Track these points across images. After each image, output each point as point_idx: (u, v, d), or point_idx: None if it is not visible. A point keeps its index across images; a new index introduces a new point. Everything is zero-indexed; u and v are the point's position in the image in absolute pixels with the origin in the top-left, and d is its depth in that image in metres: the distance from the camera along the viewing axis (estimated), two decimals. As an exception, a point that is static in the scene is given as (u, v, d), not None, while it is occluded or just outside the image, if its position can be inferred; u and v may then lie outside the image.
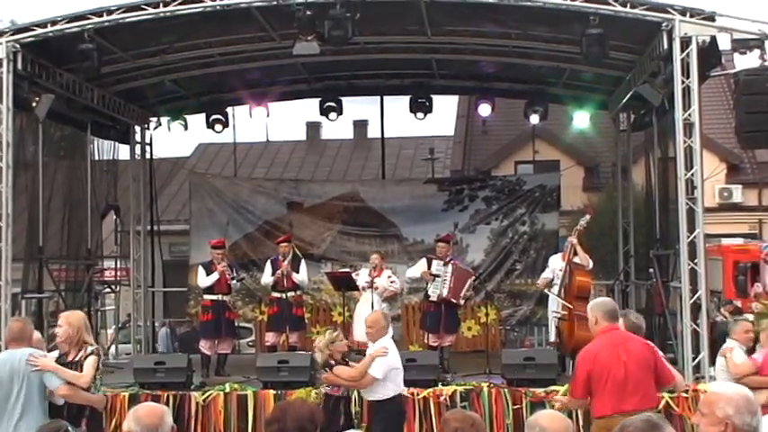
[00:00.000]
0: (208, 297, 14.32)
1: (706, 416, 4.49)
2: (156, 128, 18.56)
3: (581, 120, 18.37)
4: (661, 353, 7.96)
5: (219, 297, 14.21)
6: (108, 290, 17.99)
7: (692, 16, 12.03)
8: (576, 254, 13.30)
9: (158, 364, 12.58)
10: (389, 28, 14.58)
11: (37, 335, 8.46)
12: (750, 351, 9.99)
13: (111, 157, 17.67)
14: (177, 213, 27.19)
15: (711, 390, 4.67)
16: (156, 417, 4.83)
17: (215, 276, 14.14)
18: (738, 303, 18.21)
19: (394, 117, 25.09)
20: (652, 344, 7.74)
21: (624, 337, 7.54)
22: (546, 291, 14.09)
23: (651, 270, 14.64)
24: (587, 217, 13.48)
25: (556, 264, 13.91)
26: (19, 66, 12.72)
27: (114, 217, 18.51)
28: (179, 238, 22.68)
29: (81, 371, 7.85)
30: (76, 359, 7.97)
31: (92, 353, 7.96)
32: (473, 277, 14.59)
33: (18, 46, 12.68)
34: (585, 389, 7.33)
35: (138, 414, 4.83)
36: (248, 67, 16.30)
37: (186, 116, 18.33)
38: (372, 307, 13.69)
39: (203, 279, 14.29)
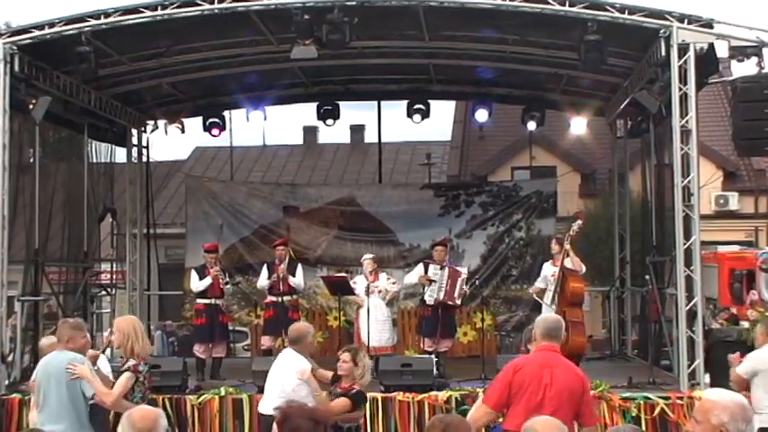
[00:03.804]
0: (201, 301, 14.32)
1: (701, 423, 4.49)
2: (152, 131, 18.55)
3: (578, 126, 18.38)
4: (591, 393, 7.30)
5: (212, 301, 14.19)
6: (104, 293, 17.95)
7: (689, 23, 12.04)
8: (567, 256, 13.31)
9: (154, 368, 12.52)
10: (387, 33, 14.58)
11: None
12: None
13: (107, 160, 17.64)
14: (173, 217, 27.18)
15: (706, 397, 4.66)
16: (150, 420, 4.81)
17: (208, 281, 14.13)
18: (734, 311, 18.24)
19: (391, 122, 25.24)
20: (585, 378, 7.11)
21: (557, 361, 6.99)
22: (537, 298, 14.09)
23: (647, 277, 14.63)
24: (579, 222, 13.45)
25: (548, 271, 13.92)
26: (16, 68, 12.69)
27: (111, 220, 18.48)
28: (175, 242, 22.67)
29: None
30: (123, 368, 8.02)
31: (127, 369, 7.91)
32: (462, 275, 14.50)
33: (15, 48, 12.65)
34: (501, 399, 6.80)
35: (132, 418, 4.81)
36: (245, 70, 16.28)
37: (183, 119, 18.31)
38: (369, 312, 13.70)
39: (196, 283, 14.28)
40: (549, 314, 7.63)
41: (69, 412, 7.81)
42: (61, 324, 8.70)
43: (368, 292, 14.05)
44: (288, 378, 8.68)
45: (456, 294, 14.05)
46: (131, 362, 7.94)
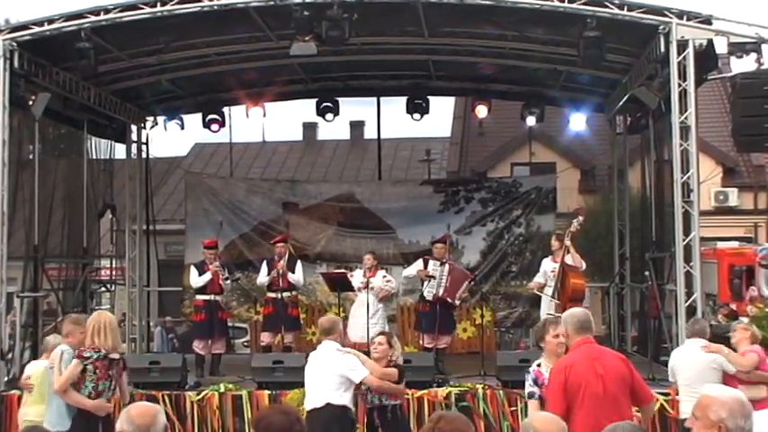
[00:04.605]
0: (200, 297, 14.32)
1: (699, 419, 4.49)
2: (152, 127, 18.55)
3: (577, 122, 18.37)
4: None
5: (212, 297, 14.20)
6: (103, 289, 17.96)
7: (689, 19, 12.05)
8: (568, 252, 13.32)
9: (153, 364, 12.57)
10: (387, 29, 14.58)
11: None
12: None
13: (107, 156, 17.65)
14: (173, 213, 27.17)
15: (705, 393, 4.66)
16: (149, 416, 4.82)
17: (207, 276, 14.14)
18: (734, 307, 18.25)
19: (390, 118, 25.12)
20: (629, 360, 7.18)
21: (599, 350, 7.09)
22: (538, 292, 14.10)
23: (646, 273, 14.65)
24: (580, 218, 13.47)
25: (548, 266, 13.92)
26: (16, 64, 12.70)
27: (110, 216, 18.48)
28: (174, 238, 22.66)
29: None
30: None
31: (72, 356, 8.10)
32: (470, 279, 14.61)
33: (15, 44, 12.66)
34: (565, 401, 6.71)
35: (131, 414, 4.81)
36: (245, 67, 16.30)
37: (183, 116, 18.31)
38: (368, 308, 13.69)
39: (195, 279, 14.29)
40: (574, 309, 7.60)
41: (50, 402, 8.16)
42: (64, 319, 8.88)
43: (363, 288, 14.07)
44: (335, 362, 8.85)
45: (458, 295, 14.11)
46: (76, 350, 8.15)
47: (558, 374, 6.87)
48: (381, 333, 9.70)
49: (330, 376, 8.78)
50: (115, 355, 8.16)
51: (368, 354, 9.37)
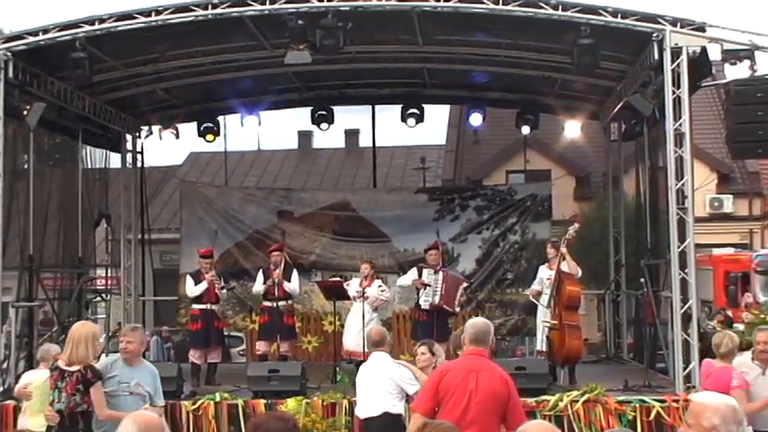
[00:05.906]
0: (196, 306, 14.33)
1: (692, 426, 4.50)
2: (147, 136, 18.54)
3: (572, 129, 18.40)
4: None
5: (208, 306, 14.21)
6: (99, 298, 17.93)
7: (682, 27, 12.07)
8: (563, 260, 13.33)
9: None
10: (381, 37, 14.60)
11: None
12: None
13: (102, 166, 17.63)
14: (168, 222, 27.15)
15: (697, 400, 4.67)
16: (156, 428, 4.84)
17: (203, 286, 14.14)
18: (729, 313, 18.27)
19: (385, 126, 25.15)
20: (511, 381, 7.11)
21: (483, 364, 7.04)
22: (534, 300, 14.11)
23: (642, 280, 14.65)
24: (576, 225, 13.49)
25: (544, 274, 13.92)
26: (10, 74, 12.68)
27: (105, 225, 18.47)
28: (170, 247, 22.64)
29: None
30: None
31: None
32: (464, 284, 14.60)
33: (9, 54, 12.65)
34: (433, 402, 6.91)
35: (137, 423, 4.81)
36: (240, 75, 16.31)
37: (178, 125, 18.30)
38: (363, 317, 13.69)
39: (191, 288, 14.29)
40: (478, 319, 7.68)
41: None
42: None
43: (359, 297, 14.07)
44: (391, 371, 9.12)
45: (456, 302, 14.11)
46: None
47: (435, 376, 7.15)
48: (423, 343, 9.82)
49: (386, 386, 9.03)
50: (73, 368, 7.90)
51: None
